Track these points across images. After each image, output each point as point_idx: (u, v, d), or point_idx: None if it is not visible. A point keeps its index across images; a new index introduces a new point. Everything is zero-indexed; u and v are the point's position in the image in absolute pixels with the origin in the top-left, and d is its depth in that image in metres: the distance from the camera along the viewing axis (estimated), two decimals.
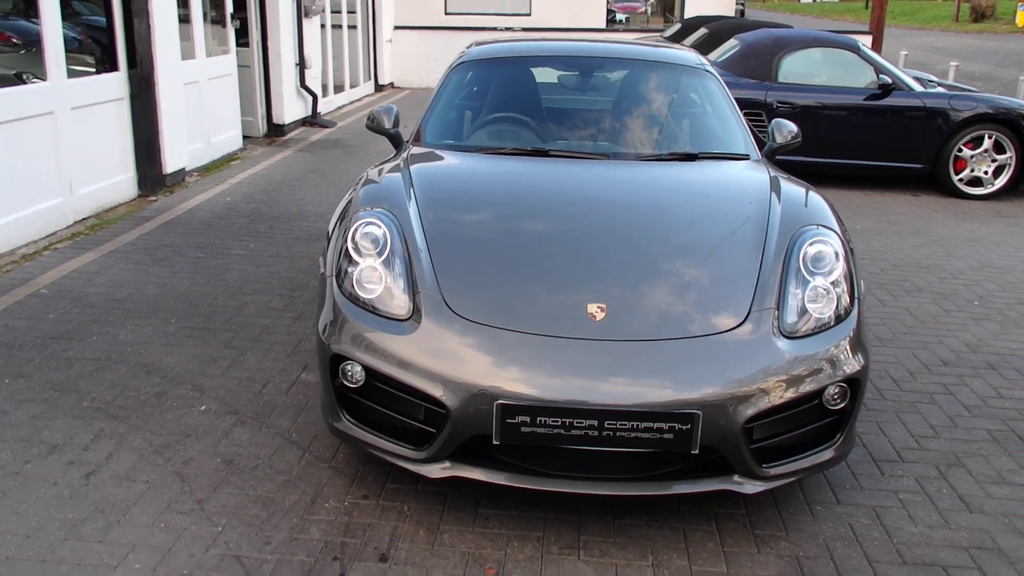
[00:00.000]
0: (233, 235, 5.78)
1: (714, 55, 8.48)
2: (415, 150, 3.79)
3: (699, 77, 4.20)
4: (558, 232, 3.03)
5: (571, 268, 2.83)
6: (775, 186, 3.35)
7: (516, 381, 2.48)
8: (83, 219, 5.94)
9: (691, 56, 4.36)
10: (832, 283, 2.84)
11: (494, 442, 2.49)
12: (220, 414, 3.37)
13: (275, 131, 9.69)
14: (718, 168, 3.64)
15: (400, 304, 2.72)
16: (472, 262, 2.87)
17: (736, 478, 2.59)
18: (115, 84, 6.32)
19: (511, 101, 4.11)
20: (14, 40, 6.06)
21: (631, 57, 4.31)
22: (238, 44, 8.80)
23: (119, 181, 6.43)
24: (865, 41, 9.30)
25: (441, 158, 3.70)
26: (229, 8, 8.43)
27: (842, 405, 2.70)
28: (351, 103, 12.60)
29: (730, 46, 8.32)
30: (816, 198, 3.31)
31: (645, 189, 3.39)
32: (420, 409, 2.63)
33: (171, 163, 6.97)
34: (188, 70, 7.41)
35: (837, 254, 2.92)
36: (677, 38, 11.52)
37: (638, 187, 3.40)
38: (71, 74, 5.76)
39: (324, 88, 11.30)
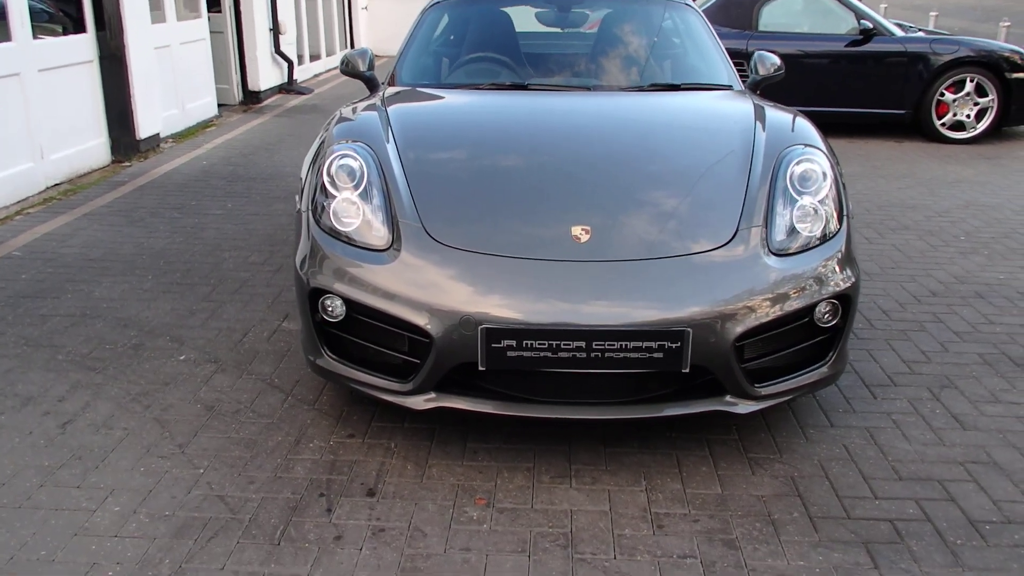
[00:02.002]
0: (210, 196, 5.66)
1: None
2: (391, 90, 3.69)
3: (679, 11, 4.11)
4: (540, 160, 2.95)
5: (554, 193, 2.76)
6: (759, 112, 3.28)
7: (500, 305, 2.41)
8: (55, 184, 5.80)
9: None
10: (820, 201, 2.78)
11: (480, 368, 2.42)
12: (200, 363, 3.29)
13: (251, 98, 9.52)
14: (701, 97, 3.56)
15: (379, 235, 2.64)
16: (452, 191, 2.79)
17: (728, 398, 2.54)
18: (83, 46, 6.15)
19: (488, 39, 4.01)
20: None
21: None
22: (211, 10, 8.62)
23: (92, 146, 6.28)
24: None
25: (418, 95, 3.61)
26: None
27: (833, 322, 2.65)
28: (328, 71, 12.41)
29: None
30: (802, 121, 3.25)
31: (628, 117, 3.31)
32: (403, 340, 2.56)
33: (145, 128, 6.82)
34: (159, 34, 7.24)
35: (824, 173, 2.86)
36: None
37: (620, 115, 3.32)
38: (45, 35, 5.61)
39: (300, 57, 11.11)
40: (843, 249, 2.71)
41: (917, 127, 7.79)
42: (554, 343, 2.38)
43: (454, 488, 2.52)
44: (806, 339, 2.66)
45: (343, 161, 2.84)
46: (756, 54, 4.11)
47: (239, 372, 3.22)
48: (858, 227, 5.15)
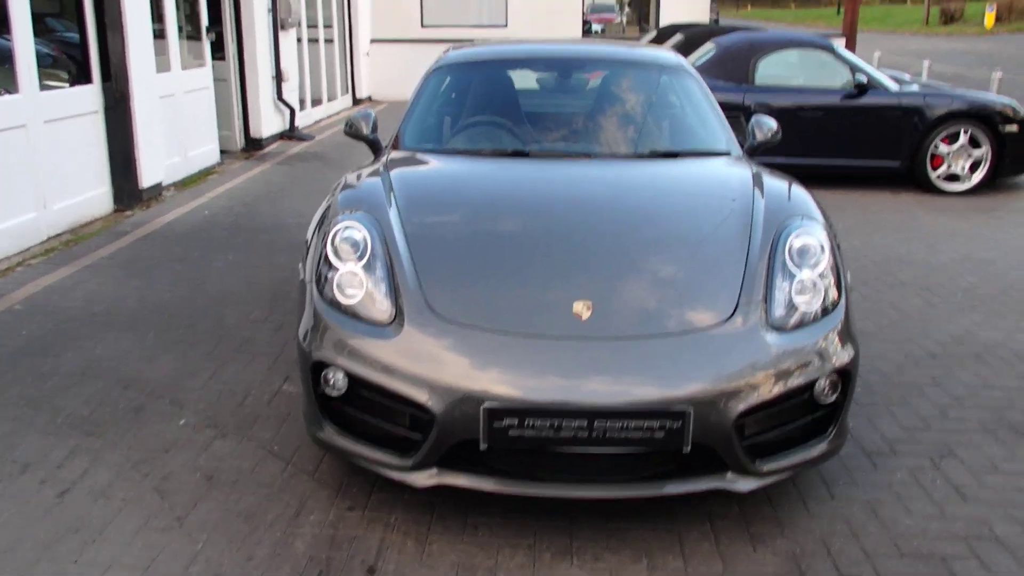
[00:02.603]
0: (212, 247, 5.69)
1: (691, 60, 8.49)
2: (394, 154, 3.73)
3: (677, 76, 4.17)
4: (541, 231, 2.98)
5: (555, 266, 2.78)
6: (758, 180, 3.32)
7: (502, 383, 2.42)
8: (58, 234, 5.83)
9: (669, 56, 4.34)
10: (819, 275, 2.80)
11: (482, 447, 2.42)
12: (200, 427, 3.28)
13: (253, 145, 9.60)
14: (699, 165, 3.61)
15: (382, 308, 2.66)
16: (455, 264, 2.81)
17: (729, 476, 2.54)
18: (89, 97, 6.22)
19: (490, 104, 4.06)
20: None
21: (609, 57, 4.28)
22: (214, 58, 8.74)
23: (95, 195, 6.33)
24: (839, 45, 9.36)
25: (421, 161, 3.65)
26: (204, 21, 8.36)
27: (833, 398, 2.66)
28: (329, 117, 12.53)
29: (706, 50, 8.33)
30: (799, 191, 3.29)
31: (627, 186, 3.35)
32: (405, 415, 2.56)
33: (148, 177, 6.87)
34: (163, 83, 7.33)
35: (822, 246, 2.88)
36: (658, 43, 11.56)
37: (620, 185, 3.36)
38: (47, 88, 5.67)
39: (302, 102, 11.23)
40: (842, 323, 2.73)
41: (912, 179, 7.86)
42: (556, 422, 2.38)
43: (455, 566, 2.51)
44: (807, 414, 2.67)
45: (347, 233, 2.87)
46: (754, 119, 4.17)
47: (239, 438, 3.21)
48: (855, 284, 5.18)
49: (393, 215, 2.99)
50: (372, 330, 2.61)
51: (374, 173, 3.39)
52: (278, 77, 9.90)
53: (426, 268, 2.76)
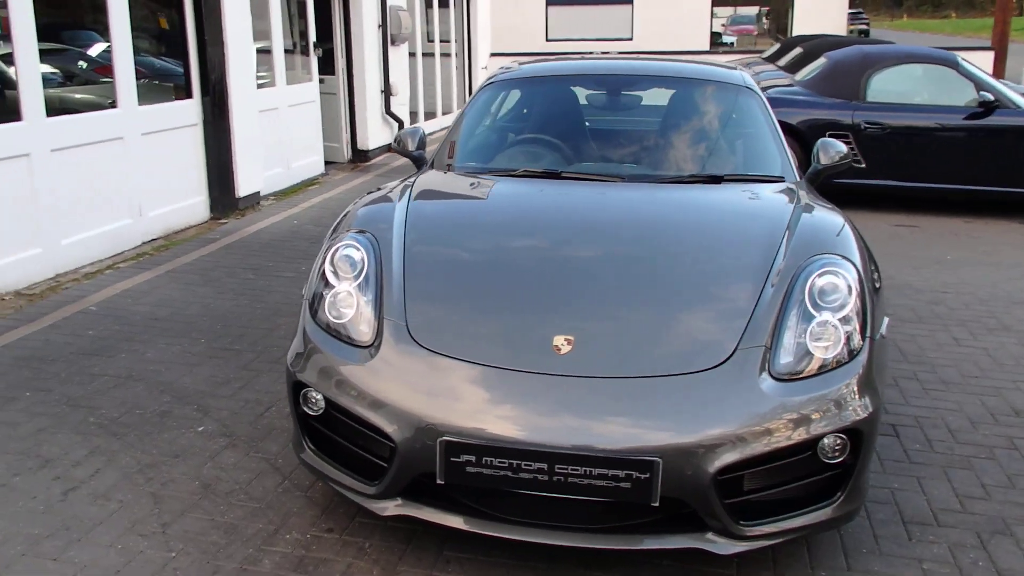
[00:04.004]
0: (288, 257, 5.85)
1: (800, 74, 8.06)
2: (426, 173, 3.70)
3: (737, 94, 3.93)
4: (543, 258, 2.85)
5: (545, 296, 2.65)
6: (797, 212, 3.06)
7: (463, 416, 2.31)
8: (152, 240, 6.17)
9: (732, 73, 4.10)
10: (841, 319, 2.53)
11: (439, 481, 2.32)
12: (214, 436, 3.34)
13: (359, 156, 9.88)
14: (740, 192, 3.36)
15: (365, 331, 2.61)
16: (446, 289, 2.73)
17: (709, 535, 2.32)
18: (188, 111, 6.57)
19: (532, 123, 3.96)
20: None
21: (666, 75, 4.09)
22: (326, 72, 9.06)
23: (191, 204, 6.66)
24: (985, 59, 8.65)
25: (448, 181, 3.59)
26: (312, 38, 8.68)
27: (841, 459, 2.39)
28: (441, 130, 12.73)
29: (817, 64, 7.88)
30: (839, 225, 3.00)
31: (649, 214, 3.15)
32: (372, 442, 2.50)
33: (244, 187, 7.18)
34: (266, 97, 7.64)
35: (850, 287, 2.60)
36: (775, 58, 11.09)
37: (643, 212, 3.17)
38: (151, 101, 6.03)
39: (413, 115, 11.47)
40: (861, 375, 2.45)
41: None
42: (514, 463, 2.25)
43: None
44: (808, 475, 2.40)
45: (346, 252, 2.84)
46: (820, 142, 3.87)
47: (248, 449, 3.25)
48: (949, 325, 4.72)
49: (397, 235, 2.94)
50: (350, 353, 2.57)
51: (395, 191, 3.37)
52: (386, 91, 10.15)
53: (416, 292, 2.69)
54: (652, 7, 18.32)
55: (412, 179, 3.60)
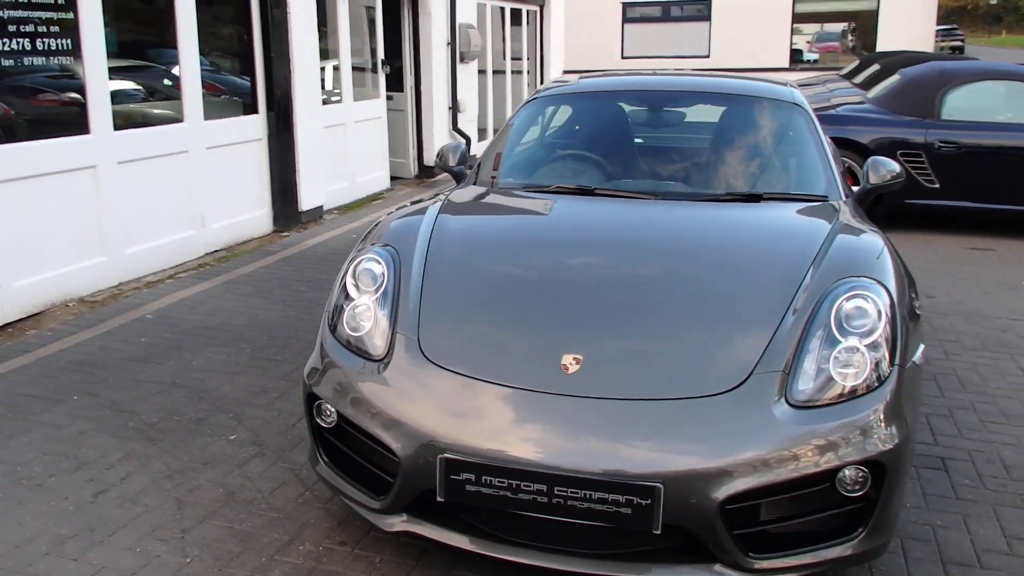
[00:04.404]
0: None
1: (873, 91, 7.79)
2: (462, 187, 3.70)
3: (783, 111, 3.81)
4: (561, 276, 2.81)
5: (558, 314, 2.60)
6: (833, 233, 2.93)
7: (464, 434, 2.29)
8: (214, 251, 6.36)
9: (780, 89, 3.98)
10: (869, 345, 2.40)
11: (439, 498, 2.30)
12: (245, 444, 3.40)
13: (425, 172, 9.99)
14: (778, 211, 3.24)
15: (378, 344, 2.62)
16: (461, 305, 2.71)
17: (718, 567, 2.23)
18: (253, 126, 6.76)
19: (571, 137, 3.93)
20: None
21: (710, 90, 4.00)
22: (395, 89, 9.22)
23: (254, 217, 6.84)
24: None
25: (479, 195, 3.58)
26: (380, 55, 8.85)
27: (861, 492, 2.26)
28: None
29: (890, 81, 7.60)
30: (875, 246, 2.85)
31: (676, 233, 3.07)
32: (380, 456, 2.49)
33: (307, 201, 7.34)
34: (332, 113, 7.81)
35: (881, 312, 2.47)
36: (853, 75, 10.76)
37: (670, 230, 3.09)
38: (225, 116, 6.24)
39: (483, 131, 11.55)
40: (887, 404, 2.32)
41: None
42: (514, 483, 2.21)
43: None
44: (827, 507, 2.29)
45: (367, 265, 2.87)
46: (871, 160, 3.72)
47: (275, 459, 3.28)
48: (1016, 353, 4.46)
49: (420, 250, 2.94)
50: (362, 366, 2.57)
51: (428, 205, 3.37)
52: (454, 108, 10.25)
53: (431, 307, 2.68)
54: (730, 24, 18.06)
55: (447, 193, 3.61)
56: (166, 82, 6.26)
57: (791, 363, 2.37)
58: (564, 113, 4.15)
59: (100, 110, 5.20)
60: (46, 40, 4.85)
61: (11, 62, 4.69)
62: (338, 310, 2.80)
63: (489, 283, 2.81)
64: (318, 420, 2.66)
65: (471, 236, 3.13)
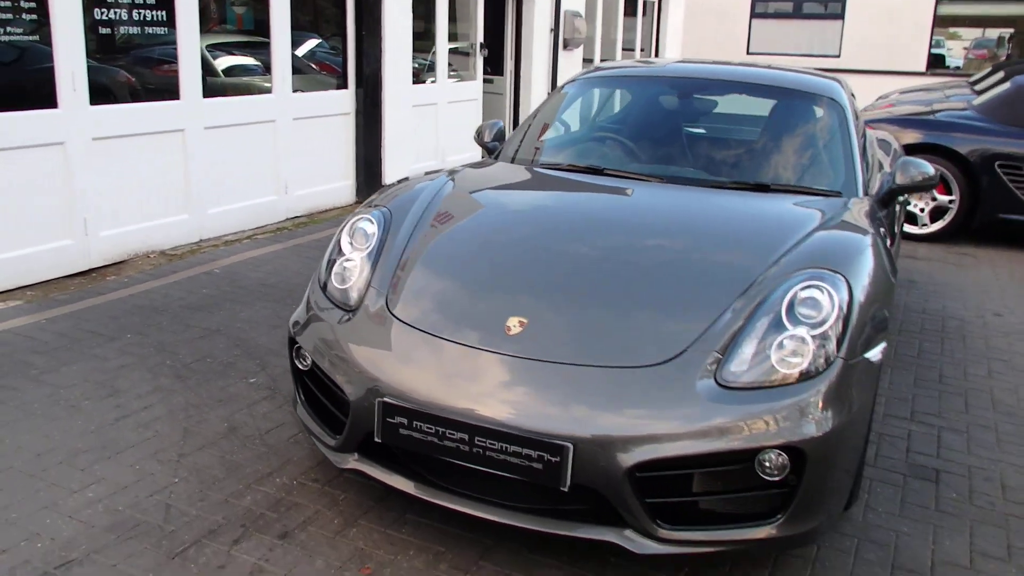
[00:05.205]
0: None
1: (980, 99, 7.35)
2: (483, 161, 3.84)
3: (815, 105, 3.74)
4: (532, 246, 2.91)
5: (517, 281, 2.71)
6: (821, 227, 2.90)
7: (402, 381, 2.45)
8: (295, 217, 6.76)
9: (817, 82, 3.90)
10: (817, 335, 2.39)
11: (376, 439, 2.47)
12: (260, 387, 3.68)
13: None
14: (775, 202, 3.22)
15: (355, 296, 2.81)
16: (436, 265, 2.87)
17: (628, 532, 2.29)
18: (342, 100, 7.12)
19: (595, 121, 3.99)
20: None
21: (742, 80, 3.96)
22: (495, 73, 9.46)
23: (338, 187, 7.22)
24: None
25: (494, 170, 3.72)
26: (479, 38, 9.07)
27: (780, 477, 2.27)
28: None
29: (999, 89, 7.15)
30: (857, 243, 2.79)
31: (659, 215, 3.11)
32: (337, 397, 2.69)
33: (391, 175, 7.66)
34: (424, 93, 8.10)
35: (835, 303, 2.45)
36: (980, 82, 10.14)
37: (654, 213, 3.13)
38: (310, 89, 6.67)
39: None
40: (821, 394, 2.32)
41: None
42: (439, 429, 2.35)
43: (356, 552, 2.58)
44: (746, 489, 2.31)
45: (361, 224, 3.07)
46: (903, 160, 3.61)
47: (282, 403, 3.55)
48: None
49: (413, 214, 3.12)
50: (335, 315, 2.77)
51: (440, 178, 3.53)
52: None
53: (409, 267, 2.85)
54: (866, 23, 17.25)
55: (466, 166, 3.77)
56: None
57: (728, 344, 2.39)
58: (596, 97, 4.22)
59: (191, 78, 5.64)
60: (143, 12, 5.32)
61: (128, 31, 5.19)
62: (329, 264, 3.01)
63: (465, 248, 2.95)
64: (297, 363, 2.88)
65: (462, 205, 3.27)
